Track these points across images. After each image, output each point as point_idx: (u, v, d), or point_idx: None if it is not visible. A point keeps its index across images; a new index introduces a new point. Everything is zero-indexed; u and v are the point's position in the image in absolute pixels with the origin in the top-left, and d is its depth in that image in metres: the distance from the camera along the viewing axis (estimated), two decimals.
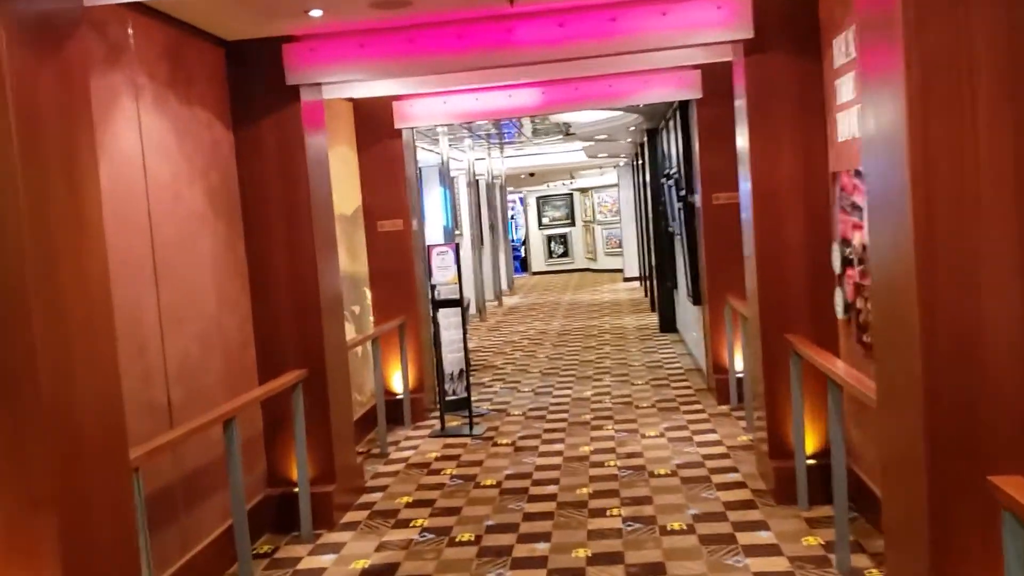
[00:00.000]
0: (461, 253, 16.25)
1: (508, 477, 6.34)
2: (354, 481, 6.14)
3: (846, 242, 4.94)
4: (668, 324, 12.82)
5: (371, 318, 8.42)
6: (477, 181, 18.29)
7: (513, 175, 22.25)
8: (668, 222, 11.54)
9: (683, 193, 9.08)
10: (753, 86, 5.41)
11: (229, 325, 5.31)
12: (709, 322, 8.22)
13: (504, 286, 20.73)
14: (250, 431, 5.56)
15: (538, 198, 28.13)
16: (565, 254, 27.92)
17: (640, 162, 17.93)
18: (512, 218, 37.00)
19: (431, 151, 15.52)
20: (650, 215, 13.83)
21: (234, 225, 5.52)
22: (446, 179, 13.29)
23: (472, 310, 16.00)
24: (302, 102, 5.61)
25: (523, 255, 30.69)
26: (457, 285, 7.83)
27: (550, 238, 27.99)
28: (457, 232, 15.92)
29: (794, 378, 5.19)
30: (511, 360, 11.51)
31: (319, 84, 5.73)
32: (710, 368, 8.43)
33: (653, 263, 13.91)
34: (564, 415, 8.14)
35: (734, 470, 6.05)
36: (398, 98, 8.31)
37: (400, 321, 8.18)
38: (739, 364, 7.96)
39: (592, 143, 17.58)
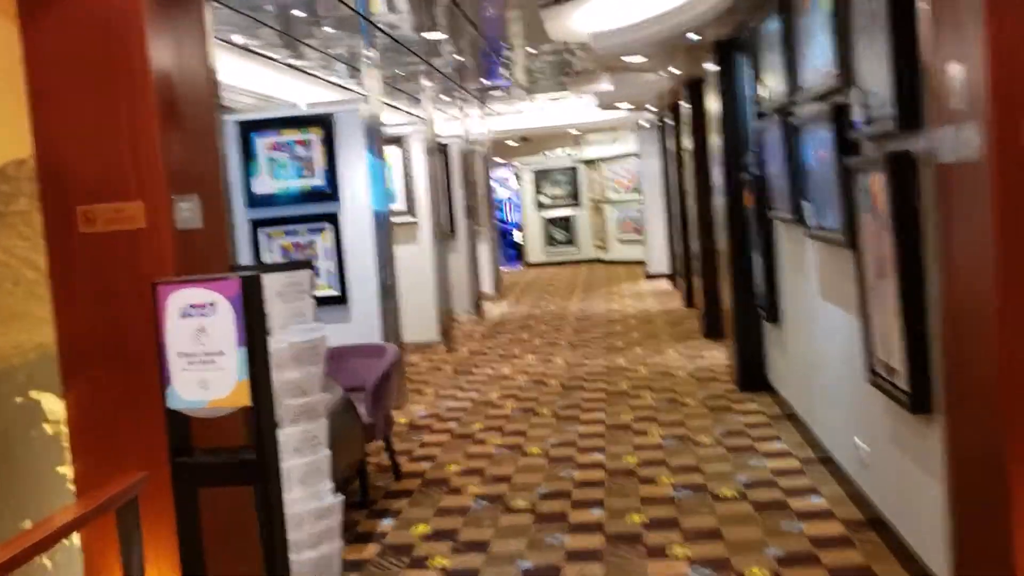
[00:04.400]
0: (418, 251, 10.93)
1: None
2: None
3: None
4: (754, 376, 7.48)
5: (64, 472, 3.10)
6: (445, 147, 12.93)
7: (499, 140, 16.86)
8: (767, 200, 6.21)
9: (867, 132, 3.74)
10: None
11: None
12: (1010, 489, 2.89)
13: (489, 287, 15.40)
14: None
15: (535, 172, 22.72)
16: (569, 241, 22.57)
17: (675, 118, 12.61)
18: (509, 198, 31.83)
19: (350, 90, 10.16)
20: (719, 190, 8.46)
21: None
22: (376, 139, 7.91)
23: (435, 335, 10.69)
24: None
25: (516, 241, 25.42)
26: (255, 406, 2.50)
27: (550, 221, 22.63)
28: (410, 218, 10.58)
29: None
30: (478, 461, 6.20)
31: None
32: None
33: (730, 258, 8.62)
34: None
35: None
36: None
37: (136, 483, 2.87)
38: None
39: (610, 90, 12.21)
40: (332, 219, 7.87)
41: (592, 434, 6.58)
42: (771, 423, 6.48)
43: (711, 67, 7.70)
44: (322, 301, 7.87)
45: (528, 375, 8.91)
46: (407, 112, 13.52)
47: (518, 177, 23.26)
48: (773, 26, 5.56)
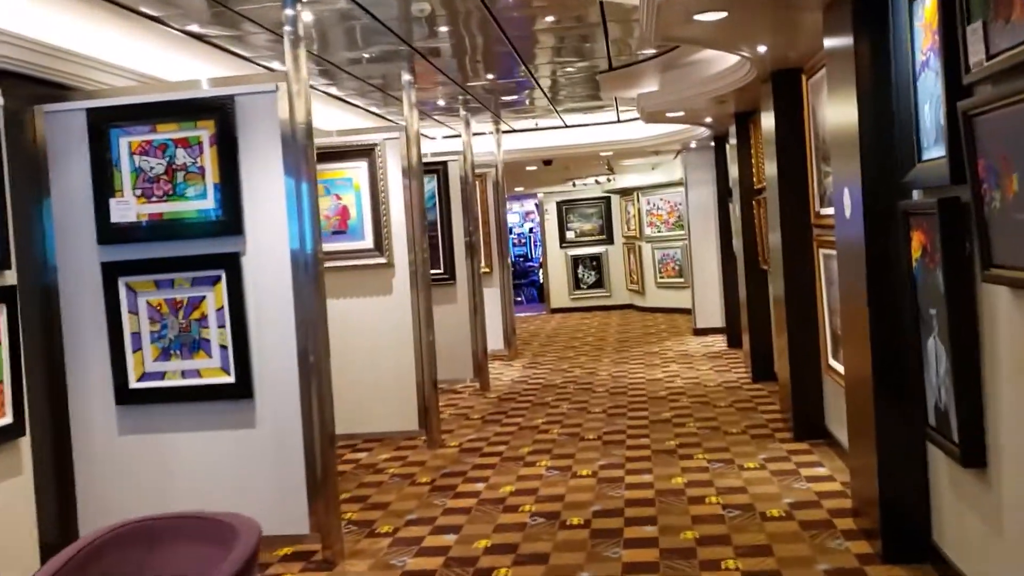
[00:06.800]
0: (391, 304, 7.94)
1: None
2: None
3: None
4: (909, 535, 4.47)
5: None
6: (441, 167, 10.08)
7: (516, 163, 14.01)
8: (982, 246, 3.24)
9: None
10: None
11: None
12: None
13: (499, 343, 12.48)
14: None
15: (560, 203, 19.85)
16: (598, 283, 19.63)
17: (743, 133, 9.77)
18: (531, 230, 29.14)
19: (261, 66, 7.38)
20: (847, 226, 5.55)
21: None
22: (301, 145, 4.98)
23: (412, 423, 7.75)
24: None
25: (540, 280, 22.70)
26: None
27: (577, 260, 19.70)
28: (379, 259, 7.66)
29: None
30: None
31: None
32: None
33: (870, 339, 5.72)
34: None
35: None
36: None
37: None
38: None
39: (656, 93, 9.32)
40: (230, 263, 5.01)
41: None
42: None
43: (837, 40, 4.79)
44: (211, 393, 5.07)
45: (539, 500, 5.94)
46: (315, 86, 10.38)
47: (541, 208, 20.42)
48: None
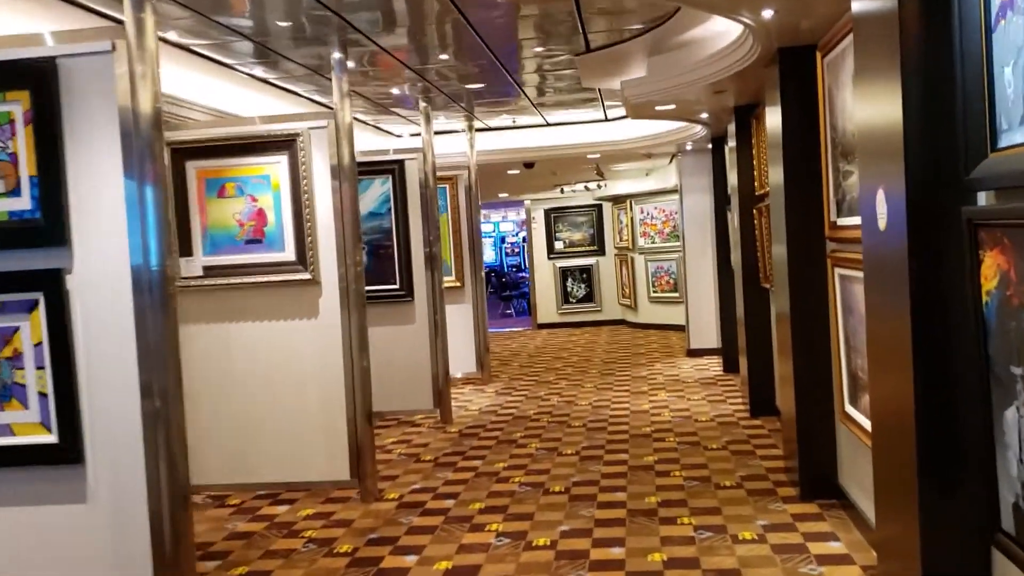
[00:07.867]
0: (318, 328, 6.51)
1: None
2: None
3: None
4: None
5: None
6: (398, 167, 8.79)
7: (494, 165, 12.72)
8: None
9: None
10: None
11: None
12: None
13: (472, 366, 11.23)
14: None
15: (548, 211, 18.58)
16: (588, 297, 18.35)
17: (744, 129, 8.56)
18: (524, 240, 28.07)
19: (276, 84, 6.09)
20: (877, 236, 4.28)
21: None
22: (143, 139, 3.71)
23: (343, 471, 6.45)
24: None
25: (529, 293, 21.43)
26: None
27: (566, 272, 18.43)
28: (303, 275, 6.37)
29: None
30: None
31: None
32: None
33: (917, 401, 4.42)
34: None
35: None
36: None
37: None
38: None
39: (643, 79, 8.07)
40: (51, 283, 3.73)
41: None
42: None
43: (871, 2, 3.53)
44: (28, 457, 3.79)
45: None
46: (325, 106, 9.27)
47: (528, 216, 19.18)
48: None
